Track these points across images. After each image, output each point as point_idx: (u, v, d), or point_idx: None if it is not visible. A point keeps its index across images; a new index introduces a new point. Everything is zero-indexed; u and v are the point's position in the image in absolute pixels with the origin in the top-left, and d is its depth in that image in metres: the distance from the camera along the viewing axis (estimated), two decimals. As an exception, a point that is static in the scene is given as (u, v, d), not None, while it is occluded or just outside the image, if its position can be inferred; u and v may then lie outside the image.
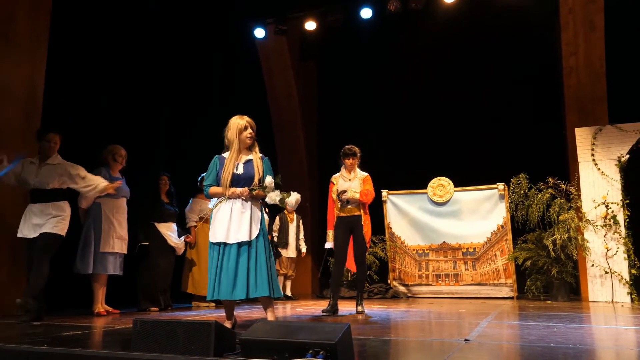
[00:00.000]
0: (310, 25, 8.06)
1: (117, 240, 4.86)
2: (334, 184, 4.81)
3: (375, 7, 7.69)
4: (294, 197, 3.40)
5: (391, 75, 8.50)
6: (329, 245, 4.92)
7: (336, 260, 4.71)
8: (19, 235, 4.19)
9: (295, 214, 7.50)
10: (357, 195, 4.60)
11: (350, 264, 4.86)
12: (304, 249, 7.51)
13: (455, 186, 7.30)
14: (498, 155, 7.61)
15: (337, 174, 4.85)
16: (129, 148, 5.21)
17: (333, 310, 4.56)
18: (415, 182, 7.48)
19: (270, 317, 3.26)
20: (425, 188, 7.43)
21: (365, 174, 4.78)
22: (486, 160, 7.65)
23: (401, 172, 7.68)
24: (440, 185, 7.37)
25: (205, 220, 5.92)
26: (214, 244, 3.22)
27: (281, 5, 8.01)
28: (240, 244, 3.17)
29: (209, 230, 5.81)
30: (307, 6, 8.00)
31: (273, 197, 3.29)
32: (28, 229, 4.16)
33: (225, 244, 3.18)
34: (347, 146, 4.80)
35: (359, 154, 4.79)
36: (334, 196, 4.73)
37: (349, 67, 8.97)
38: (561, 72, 7.12)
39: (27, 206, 4.25)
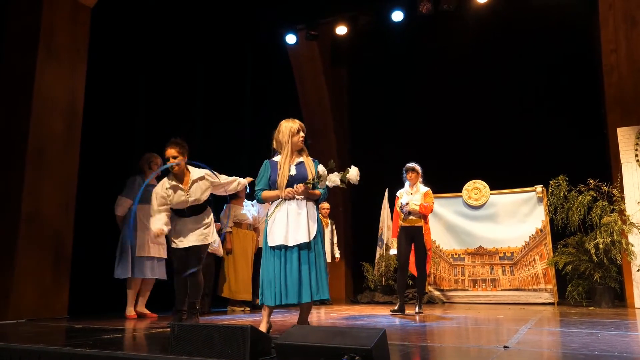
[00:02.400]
0: (341, 30, 8.08)
1: (152, 245, 4.95)
2: (398, 197, 5.44)
3: (406, 10, 7.64)
4: (354, 170, 3.30)
5: (423, 78, 8.43)
6: (393, 251, 5.62)
7: (399, 266, 5.36)
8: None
9: (329, 219, 7.52)
10: (417, 208, 5.20)
11: (413, 268, 5.40)
12: (337, 254, 7.51)
13: (491, 189, 7.17)
14: (536, 157, 7.43)
15: (403, 189, 5.46)
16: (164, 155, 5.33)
17: (400, 309, 5.16)
18: (450, 185, 7.39)
19: (303, 321, 3.25)
20: (460, 191, 7.32)
21: (427, 188, 5.37)
22: (523, 162, 7.48)
23: (435, 175, 7.55)
24: (476, 188, 7.26)
25: (239, 224, 5.99)
26: (273, 248, 3.20)
27: (312, 10, 8.05)
28: (300, 247, 3.16)
29: (242, 236, 5.96)
30: (338, 11, 8.02)
31: (333, 178, 3.23)
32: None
33: (286, 247, 3.18)
34: (408, 163, 5.43)
35: (418, 170, 5.39)
36: (398, 208, 5.36)
37: (381, 71, 8.94)
38: (601, 70, 6.91)
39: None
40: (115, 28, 5.75)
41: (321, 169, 3.27)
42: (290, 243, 3.14)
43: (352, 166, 3.33)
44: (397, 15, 7.67)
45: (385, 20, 7.75)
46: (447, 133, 8.14)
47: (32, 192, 4.61)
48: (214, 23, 7.08)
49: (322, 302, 7.20)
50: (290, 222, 3.18)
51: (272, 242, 3.19)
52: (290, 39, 8.21)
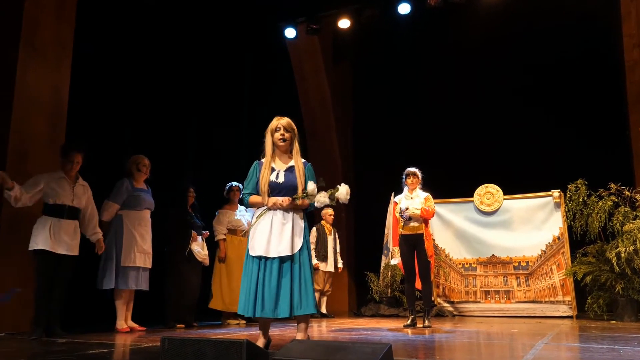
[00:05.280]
0: (344, 24, 8.10)
1: (139, 254, 4.94)
2: (397, 203, 5.54)
3: (413, 2, 7.66)
4: (344, 189, 3.24)
5: (432, 75, 8.44)
6: (395, 261, 5.75)
7: (406, 277, 5.48)
8: (43, 247, 4.22)
9: (332, 227, 7.53)
10: (418, 212, 5.26)
11: (417, 283, 5.47)
12: (340, 263, 7.50)
13: (504, 194, 7.17)
14: (553, 160, 7.43)
15: (401, 195, 5.54)
16: (156, 158, 5.34)
17: (413, 323, 5.28)
18: (460, 189, 7.38)
19: (300, 336, 3.24)
20: (472, 196, 7.32)
21: (427, 193, 5.45)
22: (539, 165, 7.48)
23: (445, 178, 7.59)
24: (488, 192, 7.25)
25: (233, 231, 5.99)
26: (253, 257, 3.21)
27: (313, 2, 8.08)
28: (282, 259, 3.16)
29: (237, 243, 5.96)
30: (341, 3, 8.04)
31: (321, 199, 3.19)
32: (59, 244, 4.29)
33: (266, 258, 3.17)
34: (409, 168, 5.51)
35: (419, 175, 5.47)
36: (397, 215, 5.44)
37: (386, 68, 8.96)
38: (623, 67, 6.91)
39: (53, 219, 4.32)
40: (103, 22, 5.77)
41: (311, 187, 3.20)
42: (271, 255, 3.14)
43: (342, 184, 3.27)
44: (404, 8, 7.69)
45: (391, 13, 7.77)
46: (458, 133, 8.14)
47: (12, 197, 4.61)
48: (209, 16, 7.10)
49: (323, 315, 7.20)
50: (274, 233, 3.17)
51: (252, 252, 3.20)
52: (290, 32, 8.23)
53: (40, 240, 4.25)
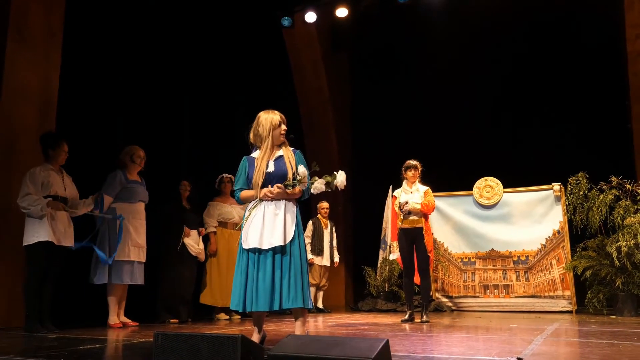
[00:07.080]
0: (342, 12, 8.06)
1: (133, 248, 4.92)
2: (396, 197, 5.61)
3: (413, -10, 7.64)
4: (341, 176, 3.24)
5: (432, 65, 8.43)
6: (393, 256, 5.90)
7: (404, 271, 5.55)
8: (46, 239, 4.26)
9: (328, 221, 7.54)
10: (418, 206, 5.32)
11: (416, 278, 5.53)
12: (337, 258, 7.52)
13: (504, 187, 7.19)
14: (553, 152, 7.45)
15: (400, 189, 5.60)
16: (149, 150, 5.32)
17: (410, 318, 5.34)
18: (460, 183, 7.40)
19: (299, 330, 3.26)
20: (471, 189, 7.34)
21: (426, 187, 5.50)
22: (539, 158, 7.50)
23: (443, 171, 7.60)
24: (488, 186, 7.27)
25: (224, 224, 5.99)
26: (247, 250, 3.21)
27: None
28: (274, 250, 3.16)
29: (228, 236, 5.95)
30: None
31: (318, 186, 3.19)
32: (59, 235, 4.38)
33: (260, 251, 3.18)
34: (410, 160, 5.53)
35: (420, 168, 5.52)
36: (397, 209, 5.50)
37: (385, 58, 8.94)
38: (625, 58, 6.92)
39: (49, 211, 4.34)
40: (94, 9, 5.73)
41: (301, 170, 3.22)
42: (265, 246, 3.14)
43: (340, 170, 3.26)
44: (403, -4, 7.65)
45: (391, 1, 7.73)
46: (458, 125, 8.15)
47: (1, 191, 4.60)
48: (202, 3, 7.05)
49: (320, 310, 7.23)
50: (266, 224, 3.17)
51: (245, 245, 3.20)
52: (286, 21, 8.18)
53: (42, 232, 4.26)
